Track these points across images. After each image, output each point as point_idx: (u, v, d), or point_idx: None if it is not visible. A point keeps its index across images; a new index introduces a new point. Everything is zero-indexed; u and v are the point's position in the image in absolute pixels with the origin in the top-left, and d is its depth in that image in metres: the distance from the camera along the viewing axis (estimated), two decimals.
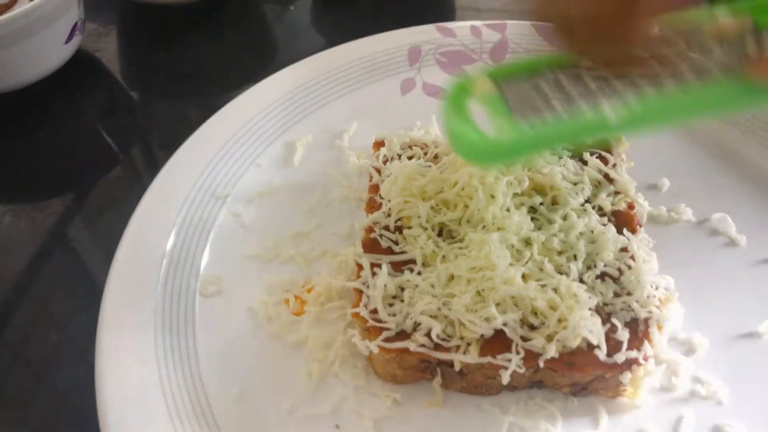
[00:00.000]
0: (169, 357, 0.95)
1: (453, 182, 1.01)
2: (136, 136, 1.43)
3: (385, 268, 0.94)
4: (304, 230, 1.13)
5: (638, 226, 1.01)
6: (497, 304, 0.89)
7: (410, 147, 1.15)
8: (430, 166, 1.06)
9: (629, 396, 0.90)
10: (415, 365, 0.90)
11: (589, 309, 0.89)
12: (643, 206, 1.12)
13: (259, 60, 1.60)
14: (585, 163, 1.10)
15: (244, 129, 1.26)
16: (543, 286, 0.91)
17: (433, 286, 0.92)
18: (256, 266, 1.08)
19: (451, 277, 0.92)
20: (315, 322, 1.00)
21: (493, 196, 0.98)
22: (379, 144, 1.17)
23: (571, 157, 1.10)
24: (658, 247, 1.03)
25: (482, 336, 0.88)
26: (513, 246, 0.95)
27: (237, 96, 1.30)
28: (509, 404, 0.91)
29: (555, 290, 0.91)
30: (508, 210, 0.98)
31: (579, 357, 0.87)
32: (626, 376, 0.86)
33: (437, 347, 0.88)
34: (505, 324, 0.87)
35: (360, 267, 0.97)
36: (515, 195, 1.01)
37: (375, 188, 1.10)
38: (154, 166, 1.15)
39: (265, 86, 1.33)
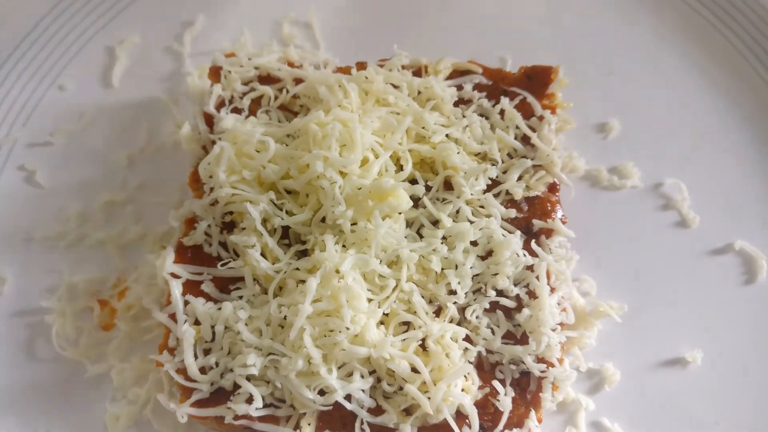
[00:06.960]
0: None
1: (304, 165, 0.71)
2: None
3: (198, 302, 0.69)
4: (119, 197, 0.84)
5: (557, 224, 0.75)
6: (340, 367, 0.66)
7: (258, 80, 0.81)
8: (279, 124, 0.75)
9: None
10: (239, 428, 0.71)
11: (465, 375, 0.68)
12: (570, 185, 0.82)
13: None
14: (502, 114, 0.79)
15: (40, 28, 0.89)
16: (405, 339, 0.68)
17: (261, 333, 0.68)
18: (54, 253, 0.82)
19: (285, 319, 0.68)
20: (126, 342, 0.78)
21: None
22: (216, 71, 0.82)
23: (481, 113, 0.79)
24: (590, 224, 0.81)
25: None
26: (375, 271, 0.69)
27: None
28: None
29: (422, 342, 0.68)
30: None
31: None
32: None
33: (263, 417, 0.68)
34: (348, 397, 0.66)
35: (169, 292, 0.71)
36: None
37: (204, 150, 0.79)
38: None
39: None
